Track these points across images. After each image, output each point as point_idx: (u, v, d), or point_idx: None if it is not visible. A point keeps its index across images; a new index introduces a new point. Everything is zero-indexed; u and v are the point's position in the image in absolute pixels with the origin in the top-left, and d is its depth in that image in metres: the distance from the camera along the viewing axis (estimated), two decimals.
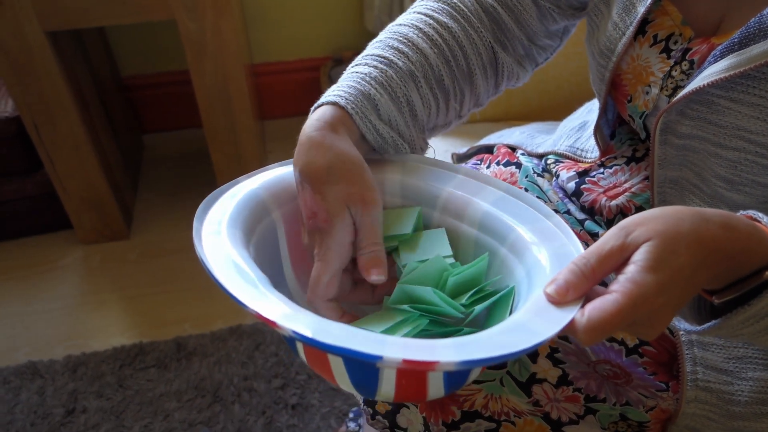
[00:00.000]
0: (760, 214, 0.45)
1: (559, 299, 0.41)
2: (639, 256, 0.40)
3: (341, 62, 1.82)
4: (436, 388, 0.45)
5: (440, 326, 0.50)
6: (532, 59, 0.72)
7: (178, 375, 1.23)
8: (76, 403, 1.18)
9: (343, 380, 0.45)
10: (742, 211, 0.47)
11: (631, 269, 0.40)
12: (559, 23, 0.69)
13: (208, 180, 1.69)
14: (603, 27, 0.64)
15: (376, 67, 0.59)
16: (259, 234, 0.53)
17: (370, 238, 0.51)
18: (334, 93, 0.57)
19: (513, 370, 0.58)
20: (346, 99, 0.56)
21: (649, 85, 0.60)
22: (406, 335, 0.46)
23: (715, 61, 0.52)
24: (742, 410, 0.57)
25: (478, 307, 0.49)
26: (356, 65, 0.61)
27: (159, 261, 1.50)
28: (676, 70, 0.58)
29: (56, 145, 1.35)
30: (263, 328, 1.31)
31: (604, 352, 0.59)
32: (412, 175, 0.57)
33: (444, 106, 0.63)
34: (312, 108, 0.58)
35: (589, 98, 0.88)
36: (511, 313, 0.47)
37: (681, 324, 0.49)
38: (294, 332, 0.37)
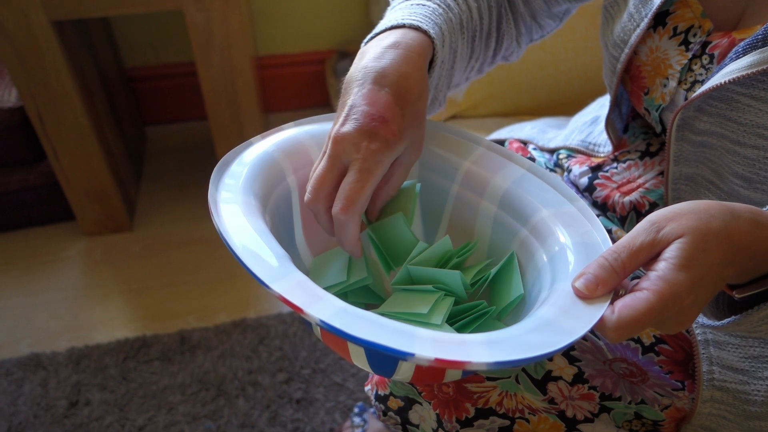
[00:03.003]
0: None
1: (588, 294, 0.41)
2: (670, 253, 0.39)
3: (347, 55, 1.81)
4: (453, 374, 0.45)
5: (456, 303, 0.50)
6: (528, 36, 0.72)
7: (182, 368, 1.22)
8: (79, 395, 1.18)
9: (360, 361, 0.45)
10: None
11: (663, 266, 0.39)
12: (562, 5, 0.69)
13: (210, 172, 1.68)
14: (618, 18, 0.63)
15: (439, 5, 0.57)
16: (274, 201, 0.51)
17: (397, 183, 0.51)
18: (414, 19, 0.52)
19: (528, 368, 0.57)
20: (434, 29, 0.53)
21: (667, 78, 0.59)
22: (444, 316, 0.46)
23: (737, 57, 0.51)
24: (758, 410, 0.57)
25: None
26: (416, 2, 0.57)
27: (162, 253, 1.49)
28: (696, 64, 0.57)
29: (60, 136, 1.34)
30: (267, 321, 1.30)
31: (621, 350, 0.58)
32: (432, 142, 0.55)
33: (468, 64, 0.63)
34: (383, 26, 0.53)
35: (600, 93, 0.87)
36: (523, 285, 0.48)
37: (700, 319, 0.48)
38: (322, 322, 0.36)
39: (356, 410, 1.10)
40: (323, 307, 0.37)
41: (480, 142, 0.55)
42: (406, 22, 0.52)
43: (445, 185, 0.54)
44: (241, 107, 1.39)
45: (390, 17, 0.55)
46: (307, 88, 1.87)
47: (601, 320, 0.40)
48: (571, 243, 0.47)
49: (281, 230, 0.50)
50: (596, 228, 0.48)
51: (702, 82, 0.57)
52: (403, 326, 0.37)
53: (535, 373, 0.57)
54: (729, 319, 0.46)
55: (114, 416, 1.14)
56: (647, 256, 0.41)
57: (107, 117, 1.48)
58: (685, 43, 0.58)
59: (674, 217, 0.41)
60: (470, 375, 0.47)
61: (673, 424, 0.60)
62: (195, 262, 1.46)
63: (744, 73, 0.49)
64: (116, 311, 1.36)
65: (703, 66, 0.57)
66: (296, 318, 1.31)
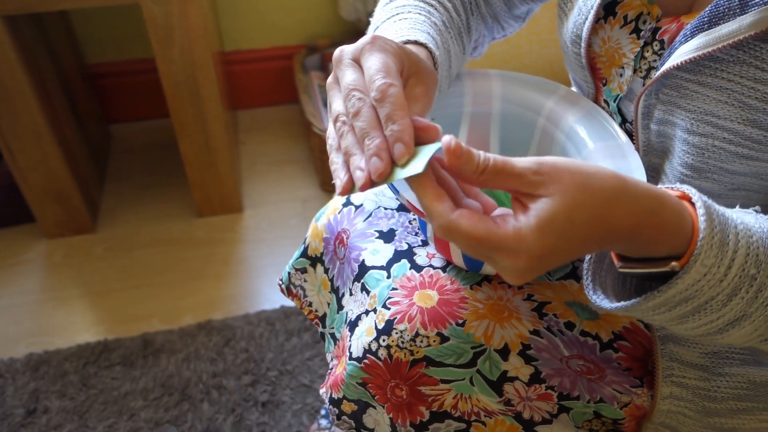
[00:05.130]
0: (694, 192, 0.42)
1: (447, 147, 0.38)
2: (536, 211, 0.38)
3: (315, 50, 1.78)
4: None
5: None
6: (490, 35, 0.74)
7: (145, 373, 1.19)
8: (37, 403, 1.14)
9: (458, 259, 0.57)
10: (678, 185, 0.44)
11: (523, 222, 0.38)
12: (521, 7, 0.70)
13: (177, 172, 1.64)
14: (571, 14, 0.62)
15: (420, 13, 0.58)
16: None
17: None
18: (407, 34, 0.54)
19: (483, 369, 0.55)
20: (431, 42, 0.54)
21: (623, 67, 0.58)
22: None
23: (686, 40, 0.49)
24: (718, 406, 0.55)
25: None
26: (399, 14, 0.58)
27: (126, 255, 1.45)
28: (648, 51, 0.56)
29: (16, 136, 1.29)
30: (233, 323, 1.27)
31: (578, 347, 0.57)
32: (512, 83, 0.66)
33: (462, 60, 0.65)
34: None
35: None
36: None
37: (594, 297, 0.46)
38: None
39: (323, 412, 1.07)
40: None
41: (558, 86, 0.66)
42: (409, 38, 0.53)
43: (532, 118, 0.65)
44: (204, 104, 1.36)
45: (383, 28, 0.57)
46: (276, 83, 1.84)
47: (438, 208, 0.38)
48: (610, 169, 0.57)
49: None
50: (632, 158, 0.56)
51: (657, 69, 0.55)
52: None
53: (490, 374, 0.55)
54: (620, 304, 0.44)
55: (73, 424, 1.11)
56: (508, 184, 0.38)
57: (66, 115, 1.44)
58: (636, 30, 0.56)
59: (561, 176, 0.38)
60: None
61: (634, 423, 0.59)
62: (160, 264, 1.43)
63: (691, 56, 0.47)
64: (77, 315, 1.32)
65: (655, 52, 0.55)
66: (263, 319, 1.28)
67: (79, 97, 1.57)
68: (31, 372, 1.19)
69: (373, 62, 0.43)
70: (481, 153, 0.38)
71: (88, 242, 1.48)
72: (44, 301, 1.35)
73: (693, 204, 0.42)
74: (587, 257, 0.47)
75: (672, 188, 0.44)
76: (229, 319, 1.28)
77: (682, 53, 0.48)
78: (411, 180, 0.40)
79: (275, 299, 1.34)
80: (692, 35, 0.48)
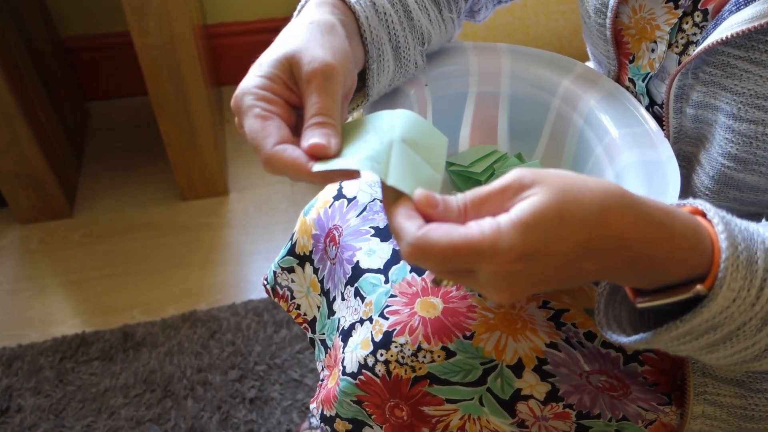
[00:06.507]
0: (709, 207, 0.36)
1: (420, 203, 0.34)
2: (518, 208, 0.32)
3: None
4: None
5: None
6: (471, 15, 0.67)
7: (125, 368, 1.12)
8: (10, 401, 1.08)
9: None
10: (691, 200, 0.38)
11: (503, 218, 0.32)
12: None
13: (158, 152, 1.56)
14: None
15: None
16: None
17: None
18: None
19: (494, 387, 0.49)
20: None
21: (655, 42, 0.51)
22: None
23: (738, 9, 0.42)
24: (756, 426, 0.50)
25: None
26: None
27: (105, 241, 1.37)
28: (687, 23, 0.49)
29: None
30: (219, 314, 1.21)
31: (600, 361, 0.50)
32: (523, 59, 0.59)
33: (439, 16, 0.56)
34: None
35: None
36: None
37: (609, 333, 0.41)
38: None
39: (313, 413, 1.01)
40: None
41: (575, 63, 0.59)
42: None
43: (546, 99, 0.59)
44: (185, 80, 1.27)
45: None
46: None
47: (406, 225, 0.33)
48: (636, 161, 0.50)
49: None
50: (662, 147, 0.50)
51: (697, 44, 0.48)
52: None
53: (502, 393, 0.49)
54: (637, 337, 0.38)
55: (49, 423, 1.04)
56: (494, 207, 0.33)
57: (39, 94, 1.35)
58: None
59: (545, 178, 0.33)
60: None
61: None
62: (141, 251, 1.36)
63: (744, 27, 0.40)
64: (53, 306, 1.25)
65: (695, 24, 0.48)
66: (250, 309, 1.21)
67: (53, 73, 1.47)
68: (4, 368, 1.12)
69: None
70: (454, 196, 0.34)
71: (65, 228, 1.40)
72: (18, 291, 1.28)
73: (708, 220, 0.36)
74: (599, 289, 0.42)
75: (681, 204, 0.39)
76: (214, 310, 1.22)
77: (732, 25, 0.41)
78: (384, 197, 0.36)
79: (263, 288, 1.28)
80: (746, 2, 0.41)
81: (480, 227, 0.32)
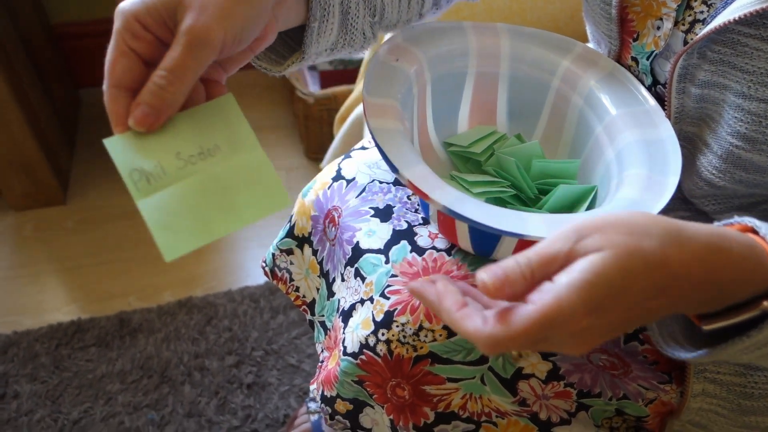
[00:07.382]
0: (758, 223, 0.37)
1: (491, 289, 0.33)
2: (578, 267, 0.32)
3: None
4: None
5: (521, 204, 0.56)
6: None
7: (122, 354, 1.12)
8: (6, 387, 1.07)
9: (464, 243, 0.51)
10: (736, 218, 0.38)
11: (562, 281, 0.32)
12: None
13: None
14: None
15: None
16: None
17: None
18: None
19: (496, 366, 0.49)
20: None
21: (661, 19, 0.50)
22: (485, 193, 0.54)
23: None
24: (755, 404, 0.50)
25: (552, 197, 0.53)
26: None
27: (100, 228, 1.37)
28: (695, 0, 0.48)
29: None
30: (215, 300, 1.20)
31: None
32: (523, 39, 0.59)
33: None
34: None
35: None
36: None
37: (668, 350, 0.41)
38: (447, 208, 0.42)
39: (312, 394, 1.02)
40: (446, 193, 0.43)
41: (575, 44, 0.59)
42: None
43: (546, 79, 0.59)
44: None
45: None
46: None
47: (470, 331, 0.33)
48: (637, 139, 0.50)
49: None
50: (663, 126, 0.51)
51: (703, 22, 0.48)
52: (518, 213, 0.43)
53: (504, 372, 0.49)
54: (700, 352, 0.39)
55: (45, 410, 1.04)
56: (561, 266, 0.33)
57: (30, 80, 1.33)
58: None
59: (603, 227, 0.33)
60: None
61: (658, 419, 0.53)
62: (136, 237, 1.35)
63: (759, 6, 0.40)
64: (48, 293, 1.24)
65: (704, 2, 0.48)
66: (247, 295, 1.21)
67: (44, 59, 1.45)
68: (0, 354, 1.12)
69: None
70: (516, 260, 0.33)
71: (59, 214, 1.39)
72: (12, 278, 1.27)
73: (759, 235, 0.37)
74: None
75: (727, 224, 0.39)
76: (210, 296, 1.22)
77: (745, 4, 0.41)
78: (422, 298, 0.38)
79: (259, 274, 1.27)
80: None
81: (541, 302, 0.32)
